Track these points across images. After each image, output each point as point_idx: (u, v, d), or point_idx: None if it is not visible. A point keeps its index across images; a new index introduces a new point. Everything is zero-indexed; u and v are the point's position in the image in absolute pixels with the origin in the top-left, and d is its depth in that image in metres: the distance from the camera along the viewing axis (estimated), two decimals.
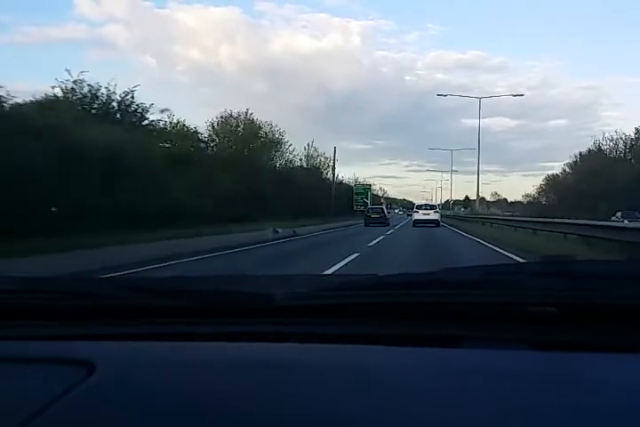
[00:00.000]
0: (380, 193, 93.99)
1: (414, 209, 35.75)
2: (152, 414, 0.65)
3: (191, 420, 0.64)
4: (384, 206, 39.26)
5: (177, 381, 0.73)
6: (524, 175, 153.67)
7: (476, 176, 42.64)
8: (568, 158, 61.35)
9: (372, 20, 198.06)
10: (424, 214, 32.73)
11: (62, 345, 0.88)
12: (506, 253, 11.99)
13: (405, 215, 68.96)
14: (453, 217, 49.21)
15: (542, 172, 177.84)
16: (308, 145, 52.25)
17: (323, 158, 52.94)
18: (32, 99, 18.11)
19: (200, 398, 0.67)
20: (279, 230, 16.73)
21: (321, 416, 0.64)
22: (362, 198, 58.17)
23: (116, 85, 22.48)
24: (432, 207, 34.42)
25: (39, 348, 0.87)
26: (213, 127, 41.44)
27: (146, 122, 23.89)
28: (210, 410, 0.65)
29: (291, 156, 47.11)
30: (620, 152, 52.71)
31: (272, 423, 0.63)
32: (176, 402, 0.67)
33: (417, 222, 31.59)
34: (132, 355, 0.83)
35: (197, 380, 0.73)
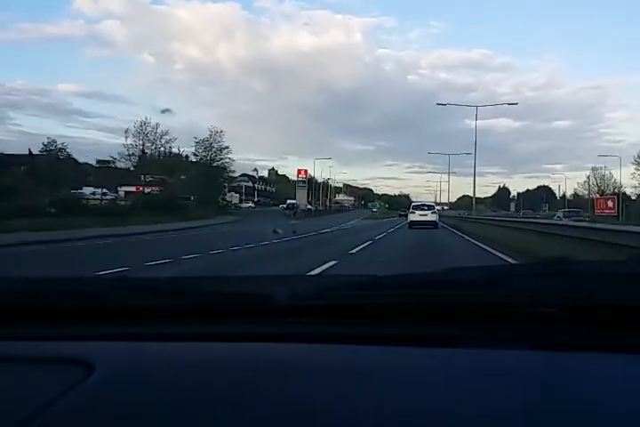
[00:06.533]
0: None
1: (410, 209, 32.10)
2: (152, 415, 0.66)
3: (191, 420, 0.64)
4: None
5: (177, 381, 0.73)
6: (527, 177, 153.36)
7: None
8: (572, 160, 58.01)
9: (373, 16, 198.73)
10: (421, 215, 29.89)
11: (62, 345, 0.88)
12: None
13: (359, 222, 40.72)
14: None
15: (545, 174, 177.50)
16: None
17: None
18: None
19: (200, 399, 0.67)
20: None
21: (321, 416, 0.64)
22: None
23: None
24: (430, 208, 31.32)
25: (39, 348, 0.87)
26: None
27: None
28: (210, 410, 0.65)
29: None
30: None
31: (272, 423, 0.63)
32: (175, 402, 0.67)
33: (413, 224, 28.86)
34: (131, 355, 0.83)
35: (197, 380, 0.73)
